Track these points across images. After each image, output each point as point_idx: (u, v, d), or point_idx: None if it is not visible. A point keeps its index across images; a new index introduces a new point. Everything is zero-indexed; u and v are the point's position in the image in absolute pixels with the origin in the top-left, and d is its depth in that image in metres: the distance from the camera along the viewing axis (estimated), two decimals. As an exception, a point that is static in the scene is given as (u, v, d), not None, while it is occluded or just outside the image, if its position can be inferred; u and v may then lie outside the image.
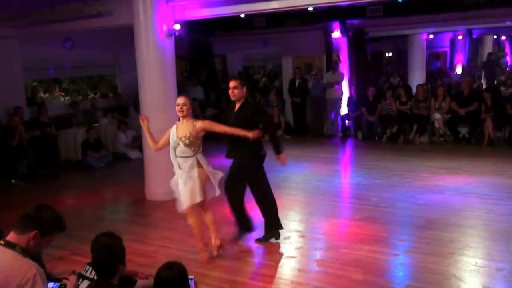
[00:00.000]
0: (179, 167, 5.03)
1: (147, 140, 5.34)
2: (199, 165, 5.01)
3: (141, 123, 5.33)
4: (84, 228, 6.00)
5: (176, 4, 7.54)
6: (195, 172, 4.98)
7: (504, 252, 5.08)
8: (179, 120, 5.10)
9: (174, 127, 5.10)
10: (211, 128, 5.08)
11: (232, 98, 5.47)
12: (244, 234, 5.75)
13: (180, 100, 5.02)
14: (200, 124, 5.01)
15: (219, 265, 5.06)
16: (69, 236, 5.35)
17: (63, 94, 13.24)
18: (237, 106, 5.47)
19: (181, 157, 4.99)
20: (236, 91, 5.39)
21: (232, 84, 5.41)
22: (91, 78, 14.38)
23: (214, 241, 5.26)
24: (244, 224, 5.72)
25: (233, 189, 5.53)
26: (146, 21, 7.30)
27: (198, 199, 5.02)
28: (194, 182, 4.98)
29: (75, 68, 12.57)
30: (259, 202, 5.65)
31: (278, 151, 5.52)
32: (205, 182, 5.07)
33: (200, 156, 5.04)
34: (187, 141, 4.93)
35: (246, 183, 5.58)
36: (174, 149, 5.02)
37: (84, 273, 3.35)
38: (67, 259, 5.30)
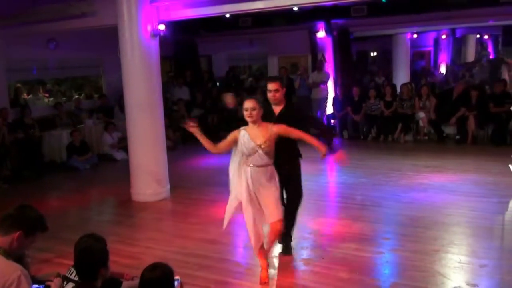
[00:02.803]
0: (250, 177, 4.45)
1: (203, 143, 4.51)
2: (274, 176, 4.57)
3: (190, 130, 4.50)
4: (69, 230, 5.93)
5: (160, 5, 7.50)
6: (276, 182, 4.57)
7: (487, 249, 5.15)
8: (248, 125, 4.49)
9: (244, 132, 4.46)
10: (286, 133, 4.54)
11: (273, 102, 4.92)
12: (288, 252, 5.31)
13: (249, 104, 4.38)
14: (276, 128, 4.48)
15: (206, 266, 5.04)
16: (54, 238, 5.32)
17: (47, 95, 13.13)
18: (277, 109, 4.93)
19: (257, 166, 4.45)
20: (277, 95, 4.85)
21: (273, 86, 4.84)
22: (76, 79, 14.27)
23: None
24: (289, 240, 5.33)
25: (300, 199, 5.29)
26: (130, 21, 7.25)
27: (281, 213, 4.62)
28: (276, 193, 4.53)
29: (59, 69, 12.45)
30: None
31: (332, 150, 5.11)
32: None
33: (274, 168, 4.60)
34: (267, 148, 4.41)
35: None
36: (249, 156, 4.44)
37: (68, 275, 3.33)
38: (52, 261, 5.24)
